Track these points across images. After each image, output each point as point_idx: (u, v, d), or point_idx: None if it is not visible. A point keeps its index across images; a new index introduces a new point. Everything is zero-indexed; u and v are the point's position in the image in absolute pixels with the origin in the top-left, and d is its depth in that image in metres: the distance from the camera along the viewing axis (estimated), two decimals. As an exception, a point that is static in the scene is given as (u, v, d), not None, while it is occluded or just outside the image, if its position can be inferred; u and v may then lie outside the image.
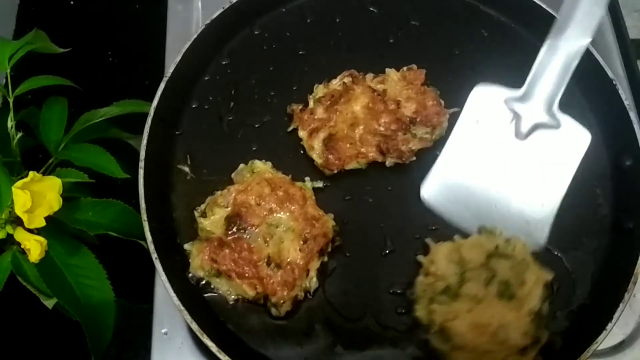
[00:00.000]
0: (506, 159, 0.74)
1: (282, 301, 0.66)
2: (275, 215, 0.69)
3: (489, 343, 0.64)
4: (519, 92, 0.74)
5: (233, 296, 0.68)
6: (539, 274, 0.67)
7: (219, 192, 0.71)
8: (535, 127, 0.74)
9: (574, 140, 0.75)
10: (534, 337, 0.65)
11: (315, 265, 0.68)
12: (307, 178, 0.74)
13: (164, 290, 0.65)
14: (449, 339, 0.65)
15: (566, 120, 0.74)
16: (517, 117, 0.74)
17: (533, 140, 0.74)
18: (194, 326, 0.63)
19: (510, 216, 0.72)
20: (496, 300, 0.65)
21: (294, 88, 0.80)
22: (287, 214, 0.69)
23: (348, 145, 0.73)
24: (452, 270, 0.67)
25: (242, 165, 0.73)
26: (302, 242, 0.67)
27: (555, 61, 0.72)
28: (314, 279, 0.68)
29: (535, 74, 0.73)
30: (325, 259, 0.70)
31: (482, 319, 0.64)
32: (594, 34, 0.70)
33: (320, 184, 0.74)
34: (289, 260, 0.67)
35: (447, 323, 0.65)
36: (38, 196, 0.62)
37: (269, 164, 0.73)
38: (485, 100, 0.76)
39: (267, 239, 0.68)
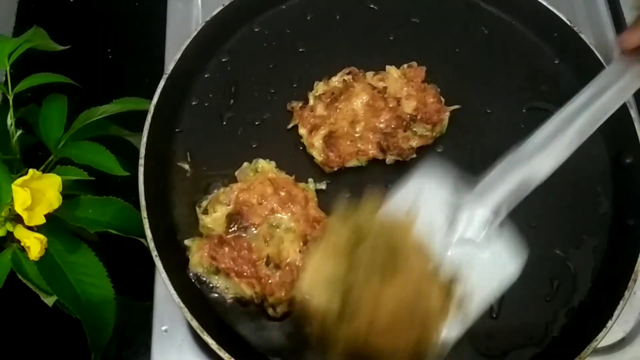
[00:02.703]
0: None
1: (279, 302, 0.66)
2: (276, 215, 0.69)
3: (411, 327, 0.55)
4: (461, 197, 0.62)
5: (231, 295, 0.68)
6: (403, 225, 0.58)
7: (222, 190, 0.71)
8: (463, 242, 0.62)
9: (499, 270, 0.61)
10: (445, 289, 0.57)
11: (315, 265, 0.68)
12: (310, 179, 0.73)
13: (164, 287, 0.65)
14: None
15: (498, 247, 0.61)
16: (450, 221, 0.62)
17: (459, 252, 0.61)
18: (194, 324, 0.63)
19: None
20: (393, 289, 0.55)
21: (294, 85, 0.80)
22: (289, 214, 0.69)
23: (348, 143, 0.73)
24: (329, 295, 0.56)
25: (245, 164, 0.73)
26: (302, 244, 0.67)
27: (510, 180, 0.61)
28: (314, 279, 0.68)
29: (485, 185, 0.62)
30: (326, 257, 0.69)
31: (390, 312, 0.55)
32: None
33: (323, 186, 0.73)
34: (288, 261, 0.67)
35: (365, 339, 0.55)
36: (38, 194, 0.62)
37: (273, 163, 0.73)
38: (425, 190, 0.64)
39: (267, 239, 0.68)
